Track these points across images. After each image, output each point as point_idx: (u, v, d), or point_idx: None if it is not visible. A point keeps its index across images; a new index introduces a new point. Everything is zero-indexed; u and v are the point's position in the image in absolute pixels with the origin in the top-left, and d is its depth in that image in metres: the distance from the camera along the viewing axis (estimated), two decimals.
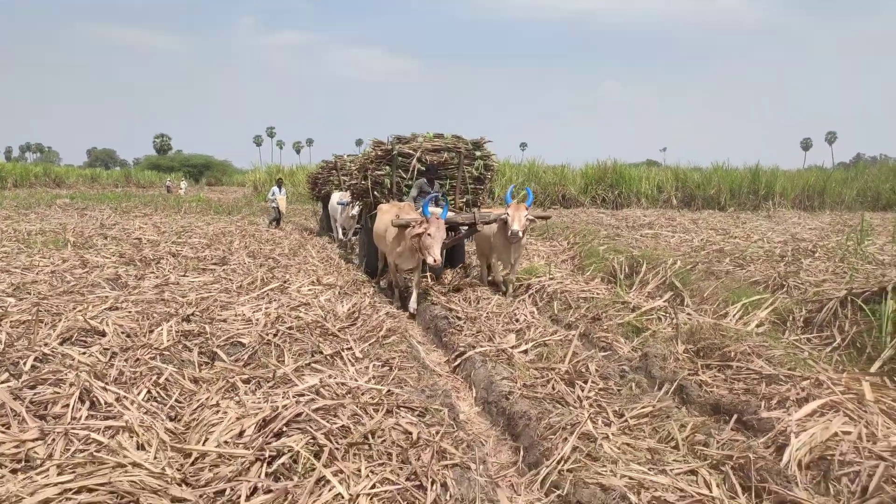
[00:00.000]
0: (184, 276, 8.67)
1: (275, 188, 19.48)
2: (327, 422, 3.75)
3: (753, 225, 17.63)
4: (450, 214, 8.55)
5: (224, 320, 6.26)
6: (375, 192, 10.38)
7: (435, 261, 7.28)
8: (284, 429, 3.63)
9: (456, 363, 5.92)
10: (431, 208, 8.60)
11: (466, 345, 6.08)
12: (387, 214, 8.57)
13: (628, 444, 3.91)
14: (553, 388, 4.91)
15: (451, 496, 3.16)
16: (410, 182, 10.19)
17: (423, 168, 9.99)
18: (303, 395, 4.18)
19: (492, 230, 8.59)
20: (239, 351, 5.42)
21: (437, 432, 3.82)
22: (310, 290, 7.87)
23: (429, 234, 7.34)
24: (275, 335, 5.76)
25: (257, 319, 6.19)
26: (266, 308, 6.61)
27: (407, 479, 3.28)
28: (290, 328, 5.93)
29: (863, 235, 9.03)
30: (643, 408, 4.41)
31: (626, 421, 4.26)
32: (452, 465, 3.47)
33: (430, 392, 4.75)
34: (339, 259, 11.84)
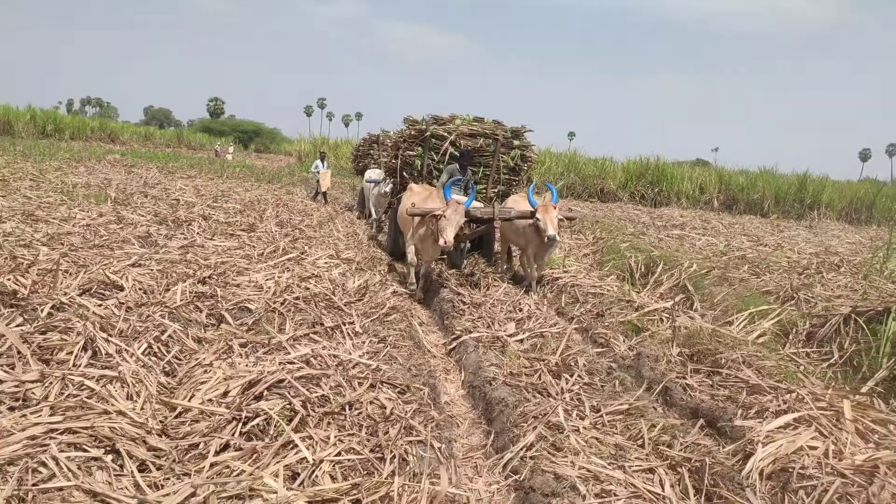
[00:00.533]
0: (210, 239, 8.99)
1: (318, 162, 19.05)
2: (308, 390, 3.95)
3: (791, 234, 17.25)
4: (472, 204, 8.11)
5: (237, 285, 6.52)
6: (405, 173, 10.07)
7: (446, 242, 7.10)
8: (265, 393, 3.84)
9: (451, 346, 6.07)
10: (455, 195, 8.32)
11: (463, 329, 6.23)
12: (414, 196, 8.14)
13: (596, 439, 4.02)
14: (539, 378, 5.03)
15: (408, 469, 3.32)
16: (442, 166, 9.72)
17: (457, 153, 9.47)
18: (292, 363, 4.39)
19: (522, 221, 8.10)
20: (245, 316, 5.67)
21: (411, 409, 3.99)
22: (325, 263, 8.10)
23: (444, 217, 7.19)
24: (281, 304, 5.99)
25: (268, 287, 6.43)
26: (278, 277, 6.86)
27: (371, 451, 3.46)
28: (296, 298, 6.15)
29: (890, 252, 8.81)
30: (620, 405, 4.50)
31: (600, 416, 4.35)
32: (417, 441, 3.63)
33: (417, 371, 4.91)
34: (363, 235, 12.06)
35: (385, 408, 3.96)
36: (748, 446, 3.99)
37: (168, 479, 2.97)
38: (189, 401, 3.75)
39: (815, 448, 3.88)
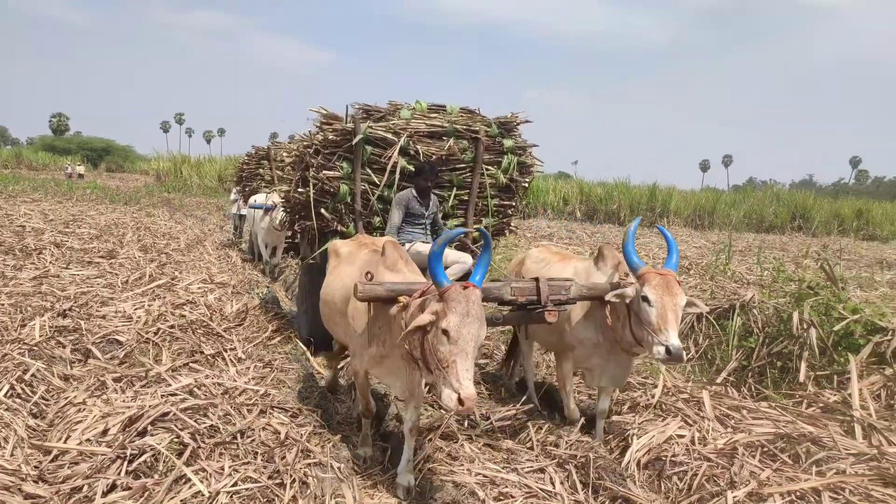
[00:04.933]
0: (66, 268, 8.34)
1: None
2: (195, 421, 3.80)
3: (646, 240, 18.66)
4: (487, 285, 3.81)
5: (103, 316, 6.12)
6: (322, 210, 5.86)
7: (464, 402, 2.84)
8: (150, 427, 3.66)
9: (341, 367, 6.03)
10: (454, 261, 5.42)
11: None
12: (346, 268, 4.23)
13: (489, 445, 4.18)
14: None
15: (309, 493, 3.30)
16: (387, 193, 5.87)
17: (413, 167, 5.76)
18: (175, 394, 4.21)
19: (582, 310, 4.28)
20: (115, 349, 5.35)
21: (307, 432, 3.95)
22: (199, 288, 7.77)
23: (446, 333, 2.94)
24: (155, 333, 5.70)
25: (138, 317, 6.09)
26: (148, 305, 6.51)
27: (269, 478, 3.40)
28: (171, 327, 5.88)
29: (729, 255, 9.82)
30: (507, 411, 4.70)
31: (490, 423, 4.53)
32: (315, 463, 3.61)
33: (307, 394, 4.87)
34: (236, 257, 11.64)
35: (279, 433, 3.90)
36: (624, 440, 4.32)
37: None
38: (65, 442, 3.49)
39: (682, 437, 4.27)
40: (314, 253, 6.00)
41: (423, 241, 5.66)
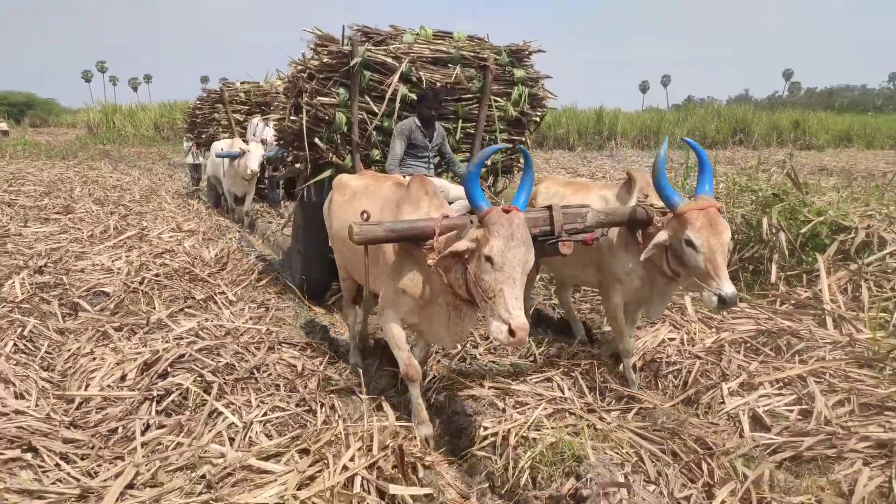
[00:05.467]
0: (25, 226, 8.06)
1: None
2: (212, 360, 3.87)
3: (599, 164, 19.01)
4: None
5: (81, 270, 6.01)
6: (316, 139, 5.42)
7: (515, 332, 2.56)
8: (169, 370, 3.71)
9: (331, 300, 6.10)
10: (456, 196, 4.68)
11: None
12: (359, 200, 3.89)
13: (494, 362, 4.38)
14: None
15: (339, 416, 3.44)
16: (387, 123, 5.43)
17: (417, 94, 5.26)
18: (182, 338, 4.23)
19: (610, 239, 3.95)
20: (103, 300, 5.28)
21: (321, 363, 4.07)
22: (171, 236, 7.65)
23: (490, 259, 2.67)
24: (141, 283, 5.64)
25: (119, 268, 5.99)
26: (126, 256, 6.40)
27: (297, 406, 3.52)
28: (156, 275, 5.82)
29: (687, 172, 10.15)
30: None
31: (490, 342, 4.72)
32: (338, 389, 3.74)
33: (310, 329, 4.96)
34: (197, 205, 11.38)
35: (294, 366, 4.00)
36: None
37: (100, 465, 2.83)
38: (86, 390, 3.51)
39: (673, 339, 4.56)
40: (306, 184, 5.72)
41: (424, 170, 5.22)
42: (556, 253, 3.42)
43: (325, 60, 5.26)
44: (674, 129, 29.29)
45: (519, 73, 5.82)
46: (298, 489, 2.59)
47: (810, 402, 3.63)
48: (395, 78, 5.31)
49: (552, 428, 3.29)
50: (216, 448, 2.94)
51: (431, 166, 5.33)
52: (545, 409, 3.50)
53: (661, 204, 3.57)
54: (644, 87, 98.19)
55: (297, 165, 6.05)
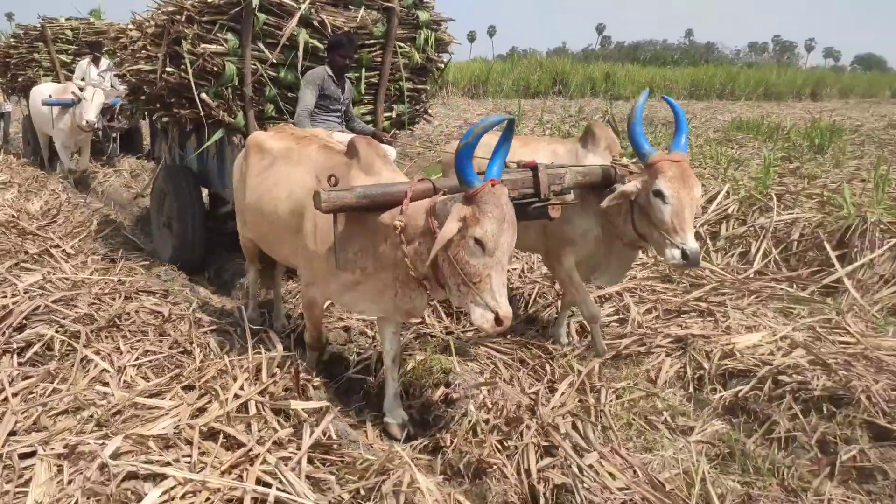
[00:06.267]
0: None
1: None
2: (70, 311, 3.77)
3: (434, 111, 19.50)
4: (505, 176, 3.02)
5: None
6: (204, 95, 4.68)
7: (502, 321, 2.45)
8: (25, 322, 3.58)
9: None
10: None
11: None
12: (287, 168, 3.38)
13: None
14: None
15: (214, 354, 3.55)
16: (284, 75, 4.85)
17: (331, 41, 4.67)
18: (30, 290, 4.05)
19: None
20: None
21: (189, 307, 4.11)
22: None
23: (481, 243, 2.43)
24: None
25: None
26: None
27: (169, 348, 3.58)
28: None
29: (518, 121, 10.91)
30: None
31: None
32: (212, 329, 3.84)
33: (168, 277, 4.91)
34: (9, 157, 10.17)
35: (160, 312, 4.01)
36: None
37: None
38: None
39: (515, 269, 5.11)
40: (199, 149, 5.07)
41: (341, 131, 4.66)
42: (542, 216, 3.09)
43: (208, 0, 4.59)
44: (501, 79, 30.52)
45: (423, 15, 5.35)
46: (192, 419, 2.73)
47: (626, 312, 4.35)
48: (294, 22, 4.67)
49: (419, 350, 3.68)
50: (100, 389, 2.97)
51: (343, 122, 4.89)
52: (412, 333, 3.87)
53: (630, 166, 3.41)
54: (472, 37, 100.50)
55: (163, 120, 5.44)
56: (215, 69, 4.61)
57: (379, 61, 5.24)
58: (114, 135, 8.81)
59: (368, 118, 5.33)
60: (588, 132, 3.77)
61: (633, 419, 3.13)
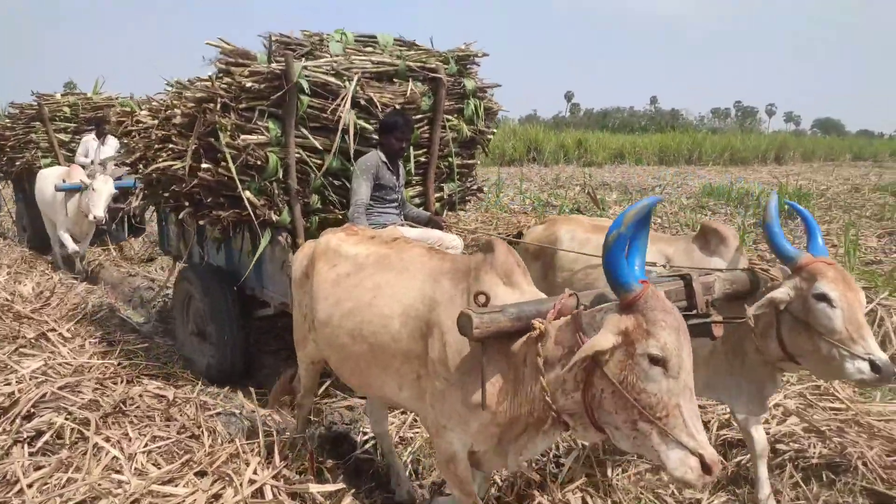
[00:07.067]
0: None
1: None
2: (76, 397, 3.79)
3: None
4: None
5: None
6: (248, 194, 4.11)
7: (711, 467, 1.86)
8: (33, 410, 3.59)
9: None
10: (446, 248, 4.03)
11: None
12: (388, 276, 2.74)
13: None
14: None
15: (223, 438, 3.58)
16: (330, 162, 4.32)
17: (384, 121, 4.31)
18: (34, 377, 4.06)
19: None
20: None
21: (193, 390, 4.14)
22: None
23: (659, 360, 1.90)
24: None
25: None
26: None
27: (177, 433, 3.60)
28: None
29: (499, 189, 11.21)
30: None
31: None
32: (218, 413, 3.87)
33: (167, 358, 4.94)
34: None
35: (164, 396, 4.03)
36: None
37: None
38: None
39: None
40: (255, 251, 4.27)
41: (401, 224, 4.26)
42: (699, 336, 2.38)
43: (246, 85, 4.00)
44: None
45: (470, 83, 4.94)
46: None
47: None
48: (347, 101, 4.21)
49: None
50: (115, 477, 2.98)
51: (401, 212, 4.46)
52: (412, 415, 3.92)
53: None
54: None
55: (202, 223, 4.63)
56: (258, 162, 4.07)
57: (426, 137, 4.82)
58: (121, 217, 8.30)
59: (418, 201, 4.90)
60: (707, 230, 3.27)
61: (642, 493, 3.20)
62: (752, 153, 34.53)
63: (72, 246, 7.73)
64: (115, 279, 7.71)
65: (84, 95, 9.42)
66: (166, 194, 4.76)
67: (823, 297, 2.65)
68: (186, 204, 4.58)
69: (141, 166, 5.09)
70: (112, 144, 8.19)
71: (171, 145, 4.56)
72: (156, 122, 4.86)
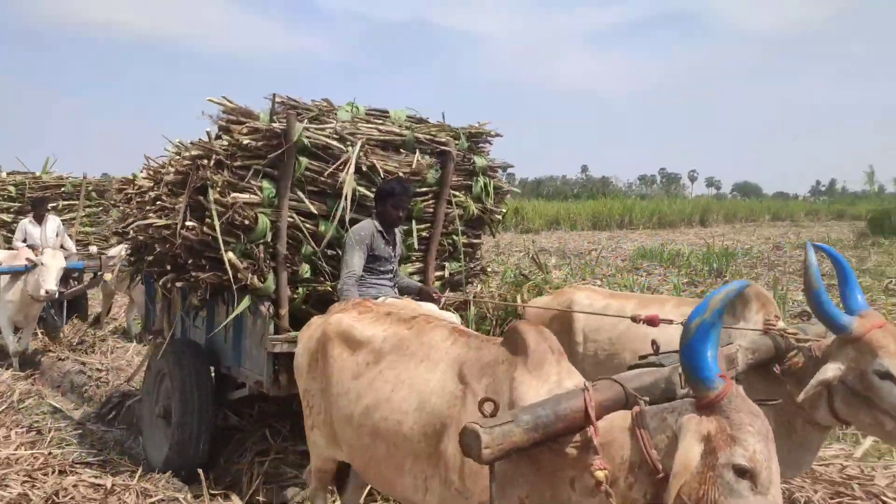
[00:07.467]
0: None
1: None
2: (4, 491, 3.55)
3: None
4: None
5: None
6: (231, 254, 3.79)
7: None
8: None
9: (111, 414, 5.72)
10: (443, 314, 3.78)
11: (120, 394, 5.91)
12: (395, 365, 2.48)
13: None
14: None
15: None
16: (321, 228, 4.07)
17: (381, 188, 4.04)
18: None
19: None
20: None
21: (131, 476, 3.93)
22: None
23: (747, 472, 1.56)
24: None
25: None
26: None
27: None
28: None
29: None
30: None
31: None
32: (160, 500, 3.67)
33: (101, 445, 4.69)
34: None
35: (102, 485, 3.81)
36: None
37: None
38: None
39: None
40: (225, 318, 4.02)
41: (395, 297, 3.96)
42: None
43: (244, 142, 3.80)
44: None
45: (480, 160, 4.76)
46: None
47: None
48: (351, 167, 3.98)
49: None
50: None
51: (394, 284, 4.18)
52: None
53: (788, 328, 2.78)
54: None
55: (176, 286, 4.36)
56: (246, 222, 3.79)
57: (431, 212, 4.53)
58: (61, 301, 7.79)
59: (418, 278, 4.56)
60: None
61: None
62: (678, 216, 36.15)
63: (13, 347, 7.01)
64: (45, 365, 7.32)
65: (32, 174, 8.97)
66: (149, 258, 4.50)
67: (887, 376, 2.38)
68: (168, 268, 4.33)
69: (130, 231, 4.79)
70: (52, 227, 7.85)
71: (160, 203, 4.34)
72: (152, 185, 4.68)
